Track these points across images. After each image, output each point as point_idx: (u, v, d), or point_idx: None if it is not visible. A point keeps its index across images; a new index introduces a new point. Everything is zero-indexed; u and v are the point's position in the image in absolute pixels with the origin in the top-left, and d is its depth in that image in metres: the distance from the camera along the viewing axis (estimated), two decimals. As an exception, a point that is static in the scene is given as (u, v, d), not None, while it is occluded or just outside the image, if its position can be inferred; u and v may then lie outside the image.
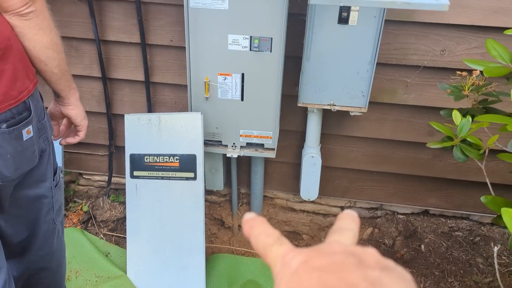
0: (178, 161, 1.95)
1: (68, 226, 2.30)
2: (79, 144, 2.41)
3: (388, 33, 1.89)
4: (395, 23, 1.86)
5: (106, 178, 2.45)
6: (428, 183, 2.29)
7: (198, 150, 1.93)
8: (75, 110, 1.32)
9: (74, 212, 2.36)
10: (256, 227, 0.38)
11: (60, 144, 1.41)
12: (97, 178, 2.50)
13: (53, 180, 1.29)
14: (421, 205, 2.37)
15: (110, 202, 2.43)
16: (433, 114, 2.06)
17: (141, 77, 2.10)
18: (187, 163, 1.94)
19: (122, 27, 2.00)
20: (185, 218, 1.97)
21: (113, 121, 2.26)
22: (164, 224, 2.00)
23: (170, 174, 1.97)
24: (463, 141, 1.38)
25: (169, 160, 1.96)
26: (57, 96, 1.29)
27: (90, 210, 2.39)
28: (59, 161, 2.22)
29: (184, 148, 1.94)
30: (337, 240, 0.36)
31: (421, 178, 2.26)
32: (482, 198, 1.40)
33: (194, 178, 1.95)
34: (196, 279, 1.98)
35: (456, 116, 1.44)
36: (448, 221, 2.39)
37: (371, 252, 0.32)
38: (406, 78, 1.99)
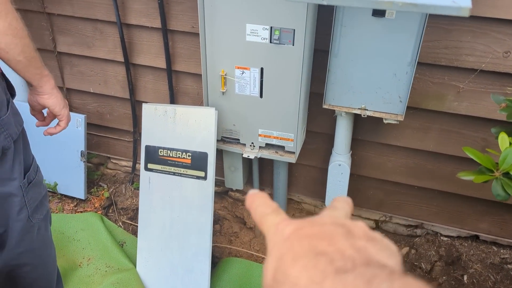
0: (190, 157, 1.82)
1: (90, 211, 2.29)
2: (106, 128, 2.38)
3: (438, 28, 1.58)
4: (447, 17, 1.55)
5: (131, 164, 2.40)
6: (479, 206, 1.95)
7: (210, 148, 1.78)
8: (51, 99, 1.22)
9: (97, 196, 2.35)
10: (257, 200, 0.40)
11: (44, 135, 1.33)
12: (124, 163, 2.47)
13: (24, 178, 1.21)
14: (470, 229, 2.04)
15: (132, 189, 2.38)
16: (491, 127, 1.73)
17: (163, 64, 1.99)
18: (198, 161, 1.81)
19: (143, 11, 1.88)
20: (194, 219, 1.85)
21: (137, 108, 2.18)
22: (173, 222, 1.90)
23: (182, 170, 1.85)
24: (506, 174, 1.09)
25: (181, 156, 1.84)
26: (30, 85, 1.20)
27: (112, 196, 2.36)
28: (81, 144, 2.21)
29: (197, 145, 1.81)
30: (329, 213, 0.38)
31: (471, 199, 1.94)
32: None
33: (205, 178, 1.81)
34: (201, 283, 1.87)
35: (503, 140, 1.15)
36: (502, 251, 2.05)
37: (360, 225, 0.34)
38: (458, 83, 1.67)
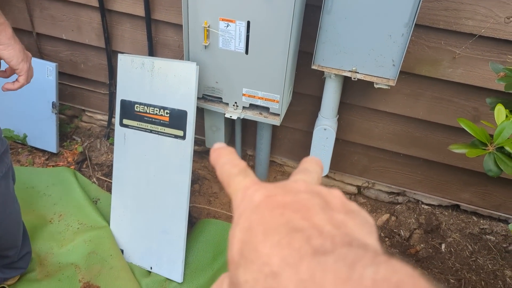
0: (168, 115, 1.72)
1: (62, 165, 2.19)
2: (80, 79, 2.24)
3: (440, -13, 1.47)
4: (450, -24, 1.44)
5: (107, 118, 2.28)
6: (464, 176, 1.92)
7: (190, 106, 1.68)
8: (8, 50, 1.09)
9: (70, 151, 2.24)
10: (224, 156, 0.36)
11: (2, 90, 1.21)
12: (99, 117, 2.34)
13: None
14: (451, 198, 2.02)
15: (108, 144, 2.27)
16: (484, 96, 1.66)
17: (142, 12, 1.83)
18: (177, 119, 1.71)
19: (120, -50, 1.71)
20: (170, 179, 1.77)
21: (113, 59, 2.04)
22: (149, 181, 1.82)
23: (160, 128, 1.75)
24: (500, 149, 1.03)
25: (159, 112, 1.73)
26: None
27: (86, 151, 2.25)
28: (52, 95, 2.07)
29: (176, 102, 1.70)
30: (302, 178, 0.34)
31: (457, 169, 1.90)
32: (511, 226, 1.07)
33: (183, 138, 1.71)
34: (176, 245, 1.82)
35: (500, 113, 1.08)
36: (481, 221, 2.04)
37: (337, 194, 0.31)
38: (455, 48, 1.58)
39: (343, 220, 0.28)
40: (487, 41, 1.53)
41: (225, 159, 0.35)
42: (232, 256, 0.28)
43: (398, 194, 2.12)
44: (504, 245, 1.99)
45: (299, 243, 0.25)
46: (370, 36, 1.47)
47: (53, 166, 2.19)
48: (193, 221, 2.17)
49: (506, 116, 1.11)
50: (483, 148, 1.07)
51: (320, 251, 0.24)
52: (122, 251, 1.91)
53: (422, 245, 2.00)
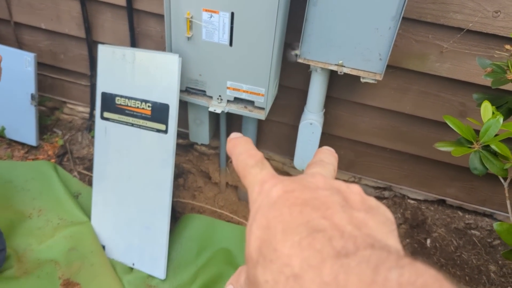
0: (150, 108, 1.67)
1: (42, 159, 2.13)
2: (61, 70, 2.17)
3: (428, -20, 1.44)
4: (438, -32, 1.41)
5: (89, 110, 2.22)
6: (450, 171, 1.91)
7: (172, 99, 1.63)
8: None
9: (51, 144, 2.18)
10: (239, 146, 0.35)
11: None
12: (80, 109, 2.28)
13: None
14: (437, 193, 2.01)
15: (90, 137, 2.22)
16: (470, 91, 1.65)
17: (123, 1, 1.77)
18: (159, 113, 1.66)
19: None
20: (153, 174, 1.73)
21: (94, 49, 1.98)
22: (131, 175, 1.78)
23: (141, 122, 1.70)
24: (486, 147, 1.01)
25: (140, 106, 1.68)
26: None
27: (67, 144, 2.19)
28: (31, 86, 2.01)
29: (158, 95, 1.65)
30: (320, 172, 0.33)
31: (442, 164, 1.89)
32: (495, 225, 1.05)
33: (165, 132, 1.67)
34: (159, 241, 1.78)
35: (486, 110, 1.06)
36: (466, 216, 2.04)
37: (356, 190, 0.30)
38: (442, 42, 1.56)
39: (364, 219, 0.27)
40: (474, 35, 1.51)
41: (241, 149, 0.34)
42: (250, 253, 0.27)
43: (384, 189, 2.11)
44: (489, 240, 1.99)
45: (320, 244, 0.24)
46: (356, 29, 1.44)
47: (32, 159, 2.13)
48: (177, 216, 2.13)
49: (493, 113, 1.09)
50: (469, 146, 1.05)
51: (342, 253, 0.24)
52: (103, 247, 1.87)
53: (407, 240, 2.00)
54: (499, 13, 1.44)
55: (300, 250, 0.24)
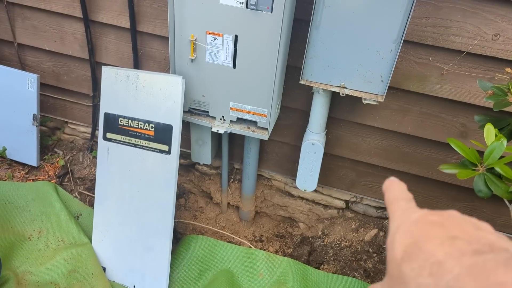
0: (153, 129, 1.68)
1: (42, 179, 2.12)
2: (63, 90, 2.18)
3: (428, 4, 1.47)
4: (438, -8, 1.44)
5: (90, 130, 2.22)
6: (452, 191, 1.91)
7: (175, 120, 1.64)
8: None
9: (51, 164, 2.17)
10: (396, 187, 0.41)
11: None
12: (82, 129, 2.29)
13: None
14: (439, 213, 2.01)
15: (91, 157, 2.22)
16: (471, 113, 1.66)
17: (127, 23, 1.80)
18: (162, 134, 1.67)
19: (105, -39, 1.68)
20: (155, 195, 1.73)
21: (97, 70, 1.99)
22: (133, 196, 1.77)
23: (144, 143, 1.71)
24: (490, 169, 1.02)
25: (144, 126, 1.69)
26: None
27: (68, 165, 2.19)
28: (33, 107, 2.01)
29: (161, 116, 1.66)
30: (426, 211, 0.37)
31: (444, 185, 1.89)
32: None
33: (168, 152, 1.67)
34: (160, 262, 1.77)
35: (489, 133, 1.06)
36: (469, 237, 2.03)
37: (487, 225, 0.34)
38: (443, 64, 1.58)
39: (497, 240, 0.31)
40: (474, 58, 1.53)
41: (397, 189, 0.41)
42: (394, 255, 0.33)
43: (386, 209, 2.10)
44: (492, 261, 1.98)
45: (460, 244, 0.30)
46: (358, 52, 1.46)
47: (33, 180, 2.12)
48: (178, 237, 2.12)
49: (496, 135, 1.10)
50: (473, 168, 1.05)
51: (479, 251, 0.29)
52: (104, 269, 1.85)
53: (410, 260, 1.98)
54: (498, 36, 1.47)
55: (443, 247, 0.30)
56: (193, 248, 1.95)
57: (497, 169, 0.98)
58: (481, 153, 1.11)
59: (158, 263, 1.77)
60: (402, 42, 1.38)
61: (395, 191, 0.41)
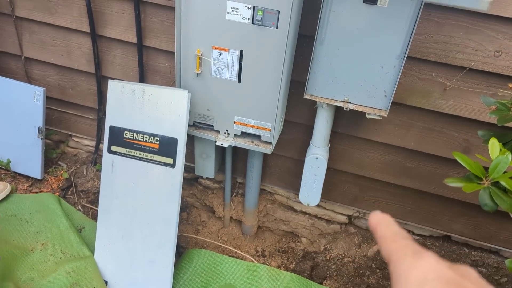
0: (158, 142, 1.69)
1: (46, 192, 2.13)
2: (68, 104, 2.20)
3: (430, 21, 1.50)
4: (440, 9, 1.47)
5: (95, 144, 2.23)
6: (454, 207, 1.91)
7: (180, 134, 1.65)
8: None
9: (55, 177, 2.18)
10: (386, 221, 0.42)
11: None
12: (86, 142, 2.30)
13: None
14: (442, 229, 2.01)
15: (94, 171, 2.22)
16: (474, 128, 1.68)
17: (133, 38, 1.82)
18: (167, 147, 1.68)
19: (114, -22, 1.71)
20: (159, 208, 1.73)
21: (103, 84, 2.01)
22: (137, 209, 1.77)
23: (149, 156, 1.72)
24: (495, 183, 1.02)
25: (149, 140, 1.70)
26: None
27: (71, 177, 2.20)
28: (39, 120, 2.03)
29: (166, 130, 1.67)
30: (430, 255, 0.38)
31: (447, 200, 1.89)
32: (508, 262, 1.05)
33: (173, 166, 1.68)
34: (163, 276, 1.76)
35: (494, 147, 1.07)
36: (473, 253, 2.02)
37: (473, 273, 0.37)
38: (446, 80, 1.60)
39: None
40: (477, 74, 1.55)
41: (387, 222, 0.42)
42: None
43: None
44: (496, 278, 1.97)
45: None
46: (362, 67, 1.48)
47: (36, 192, 2.12)
48: (181, 251, 2.11)
49: (500, 150, 1.11)
50: (478, 182, 1.06)
51: None
52: (106, 282, 1.84)
53: (413, 276, 1.97)
54: (500, 52, 1.49)
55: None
56: (195, 262, 1.94)
57: (503, 183, 0.98)
58: (485, 167, 1.12)
59: (160, 277, 1.76)
60: (405, 58, 1.40)
61: (389, 226, 0.41)
